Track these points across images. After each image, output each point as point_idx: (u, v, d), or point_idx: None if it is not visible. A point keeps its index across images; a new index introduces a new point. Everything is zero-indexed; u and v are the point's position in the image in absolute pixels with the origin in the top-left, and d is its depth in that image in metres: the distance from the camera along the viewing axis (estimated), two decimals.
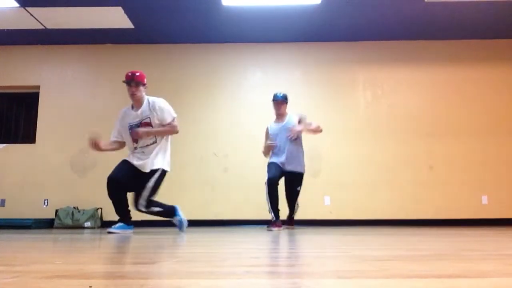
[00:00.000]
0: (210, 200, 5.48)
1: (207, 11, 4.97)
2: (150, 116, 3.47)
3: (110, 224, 5.31)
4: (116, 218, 3.55)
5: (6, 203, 5.55)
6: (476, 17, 5.15)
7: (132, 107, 3.56)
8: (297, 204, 4.22)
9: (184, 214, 3.68)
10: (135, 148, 3.53)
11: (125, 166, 3.49)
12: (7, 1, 4.67)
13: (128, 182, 3.44)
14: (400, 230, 3.77)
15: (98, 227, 5.17)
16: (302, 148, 4.18)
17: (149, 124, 3.47)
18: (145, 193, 3.43)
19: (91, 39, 5.75)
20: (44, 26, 5.31)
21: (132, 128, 3.51)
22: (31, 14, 4.99)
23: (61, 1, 4.71)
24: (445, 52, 5.81)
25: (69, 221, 5.13)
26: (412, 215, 5.37)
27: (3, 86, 5.95)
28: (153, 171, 3.48)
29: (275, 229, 3.85)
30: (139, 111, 3.49)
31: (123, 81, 3.46)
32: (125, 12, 4.97)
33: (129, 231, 3.51)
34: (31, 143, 5.76)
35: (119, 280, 0.87)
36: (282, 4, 4.82)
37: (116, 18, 5.09)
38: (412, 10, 4.96)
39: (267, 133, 4.28)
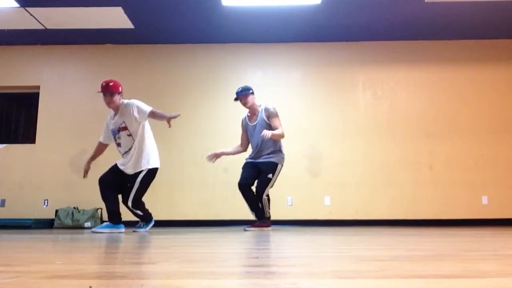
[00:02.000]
0: (210, 200, 5.48)
1: (207, 11, 4.97)
2: (124, 120, 3.57)
3: None
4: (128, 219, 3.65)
5: (6, 203, 5.55)
6: (476, 17, 5.15)
7: (114, 113, 3.68)
8: (267, 197, 3.90)
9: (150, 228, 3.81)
10: (120, 152, 3.69)
11: (116, 168, 3.66)
12: (7, 1, 4.67)
13: (117, 183, 3.61)
14: (399, 230, 3.78)
15: None
16: (279, 142, 3.95)
17: (125, 129, 3.58)
18: (134, 191, 3.57)
19: (91, 39, 5.75)
20: (44, 26, 5.31)
21: (115, 134, 3.65)
22: (31, 14, 4.99)
23: (61, 1, 4.71)
24: (445, 52, 5.81)
25: (69, 221, 5.13)
26: (411, 216, 5.37)
27: (3, 86, 5.95)
28: (138, 173, 3.60)
29: (254, 229, 3.77)
30: (116, 117, 3.60)
31: (98, 92, 3.56)
32: (125, 12, 4.97)
33: (117, 230, 3.55)
34: (31, 143, 5.76)
35: (120, 280, 0.87)
36: (282, 4, 4.82)
37: (116, 18, 5.09)
38: (412, 10, 4.96)
39: (243, 126, 4.16)
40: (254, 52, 5.91)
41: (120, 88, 3.57)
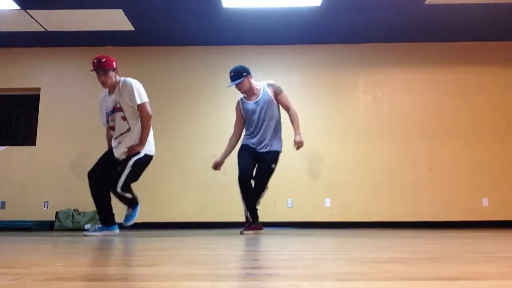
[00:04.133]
0: (210, 202, 5.48)
1: (207, 13, 4.98)
2: (119, 101, 3.23)
3: None
4: (116, 220, 3.47)
5: (7, 205, 5.55)
6: (476, 19, 5.16)
7: (109, 91, 3.33)
8: (267, 187, 3.58)
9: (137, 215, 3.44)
10: (114, 137, 3.33)
11: (103, 160, 3.33)
12: (8, 4, 4.68)
13: (106, 175, 3.23)
14: (400, 232, 3.77)
15: None
16: (280, 126, 3.67)
17: (120, 110, 3.24)
18: (124, 174, 3.19)
19: (92, 41, 5.76)
20: (44, 29, 5.32)
21: (108, 115, 3.30)
22: (31, 17, 5.00)
23: (61, 4, 4.72)
24: (445, 54, 5.81)
25: (69, 223, 5.13)
26: (412, 217, 5.36)
27: (3, 88, 5.95)
28: (131, 156, 3.25)
29: (250, 232, 3.49)
30: (113, 96, 3.27)
31: (90, 70, 3.25)
32: (126, 14, 4.98)
33: (111, 233, 3.30)
34: (31, 145, 5.76)
35: (120, 282, 0.87)
36: (282, 6, 4.83)
37: (116, 20, 5.10)
38: (412, 12, 4.96)
39: (239, 110, 3.70)
40: (254, 54, 5.91)
41: (114, 64, 3.25)
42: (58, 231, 4.71)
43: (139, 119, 3.27)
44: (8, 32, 5.40)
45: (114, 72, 3.26)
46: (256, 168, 3.56)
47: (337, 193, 5.48)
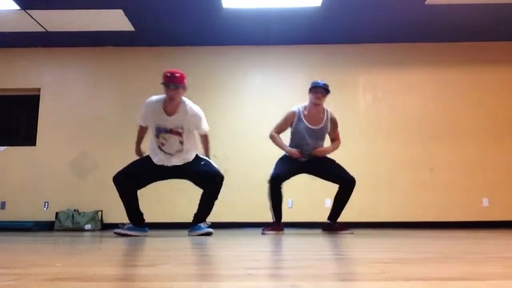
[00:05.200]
0: None
1: (207, 13, 4.98)
2: (183, 126, 3.14)
3: (110, 226, 5.32)
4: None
5: (7, 206, 5.55)
6: (477, 19, 5.16)
7: (164, 104, 3.12)
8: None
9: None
10: (163, 150, 3.22)
11: (137, 169, 3.22)
12: (8, 4, 4.68)
13: (141, 182, 3.22)
14: (400, 232, 3.77)
15: (99, 230, 5.16)
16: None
17: (179, 135, 3.14)
18: (211, 163, 3.28)
19: (92, 41, 5.76)
20: (44, 29, 5.32)
21: (160, 131, 3.14)
22: (31, 17, 5.00)
23: (61, 4, 4.72)
24: (445, 54, 5.81)
25: (69, 224, 5.13)
26: (412, 218, 5.36)
27: (3, 89, 5.95)
28: (194, 160, 3.28)
29: (271, 232, 3.50)
30: (173, 117, 3.11)
31: (161, 83, 3.07)
32: (126, 14, 4.98)
33: (142, 233, 3.24)
34: (31, 145, 5.76)
35: (120, 283, 0.87)
36: (282, 6, 4.83)
37: (116, 20, 5.10)
38: (412, 12, 4.96)
39: (290, 120, 3.68)
40: (254, 55, 5.91)
41: (185, 81, 3.12)
42: (58, 232, 4.71)
43: (192, 140, 3.28)
44: (8, 32, 5.40)
45: (184, 91, 3.16)
46: (325, 176, 3.87)
47: None
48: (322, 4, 4.74)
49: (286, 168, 3.63)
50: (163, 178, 3.36)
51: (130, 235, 3.14)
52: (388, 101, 5.73)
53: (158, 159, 3.22)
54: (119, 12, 4.92)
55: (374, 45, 5.85)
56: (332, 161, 3.75)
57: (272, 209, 3.63)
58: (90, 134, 5.63)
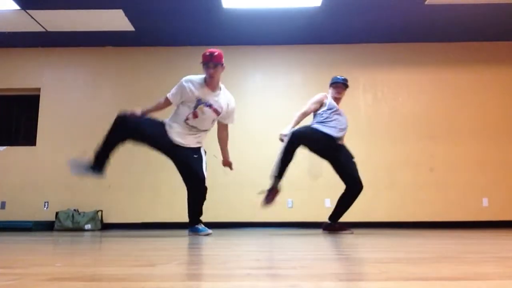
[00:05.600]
0: (209, 201, 5.45)
1: (207, 13, 4.98)
2: (223, 108, 3.27)
3: (110, 226, 5.32)
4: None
5: (7, 206, 5.55)
6: (476, 19, 5.16)
7: (205, 81, 3.24)
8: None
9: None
10: (187, 123, 3.22)
11: (158, 130, 3.19)
12: (8, 4, 4.68)
13: (142, 135, 3.17)
14: (400, 232, 3.77)
15: (99, 230, 5.16)
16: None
17: (217, 113, 3.25)
18: (204, 161, 3.29)
19: (92, 41, 5.76)
20: (44, 29, 5.32)
21: (199, 103, 3.18)
22: (31, 17, 5.00)
23: (61, 4, 4.72)
24: (445, 54, 5.81)
25: (69, 224, 5.13)
26: (412, 218, 5.36)
27: (3, 89, 5.95)
28: (199, 147, 3.31)
29: (271, 201, 3.47)
30: (216, 94, 3.24)
31: (201, 62, 3.19)
32: (126, 14, 4.98)
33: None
34: (31, 145, 5.76)
35: (120, 283, 0.87)
36: (282, 6, 4.83)
37: (116, 20, 5.10)
38: (412, 12, 4.96)
39: (321, 102, 3.84)
40: (254, 54, 5.91)
41: (223, 60, 3.22)
42: (58, 232, 4.71)
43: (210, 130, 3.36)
44: (8, 32, 5.40)
45: (222, 69, 3.26)
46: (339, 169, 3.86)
47: (337, 193, 5.43)
48: (322, 4, 4.75)
49: (315, 138, 3.66)
50: (159, 148, 3.27)
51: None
52: (388, 101, 5.73)
53: (174, 131, 3.20)
54: (119, 12, 4.92)
55: (374, 45, 5.85)
56: (352, 157, 3.82)
57: (279, 164, 3.51)
58: (90, 134, 5.61)
